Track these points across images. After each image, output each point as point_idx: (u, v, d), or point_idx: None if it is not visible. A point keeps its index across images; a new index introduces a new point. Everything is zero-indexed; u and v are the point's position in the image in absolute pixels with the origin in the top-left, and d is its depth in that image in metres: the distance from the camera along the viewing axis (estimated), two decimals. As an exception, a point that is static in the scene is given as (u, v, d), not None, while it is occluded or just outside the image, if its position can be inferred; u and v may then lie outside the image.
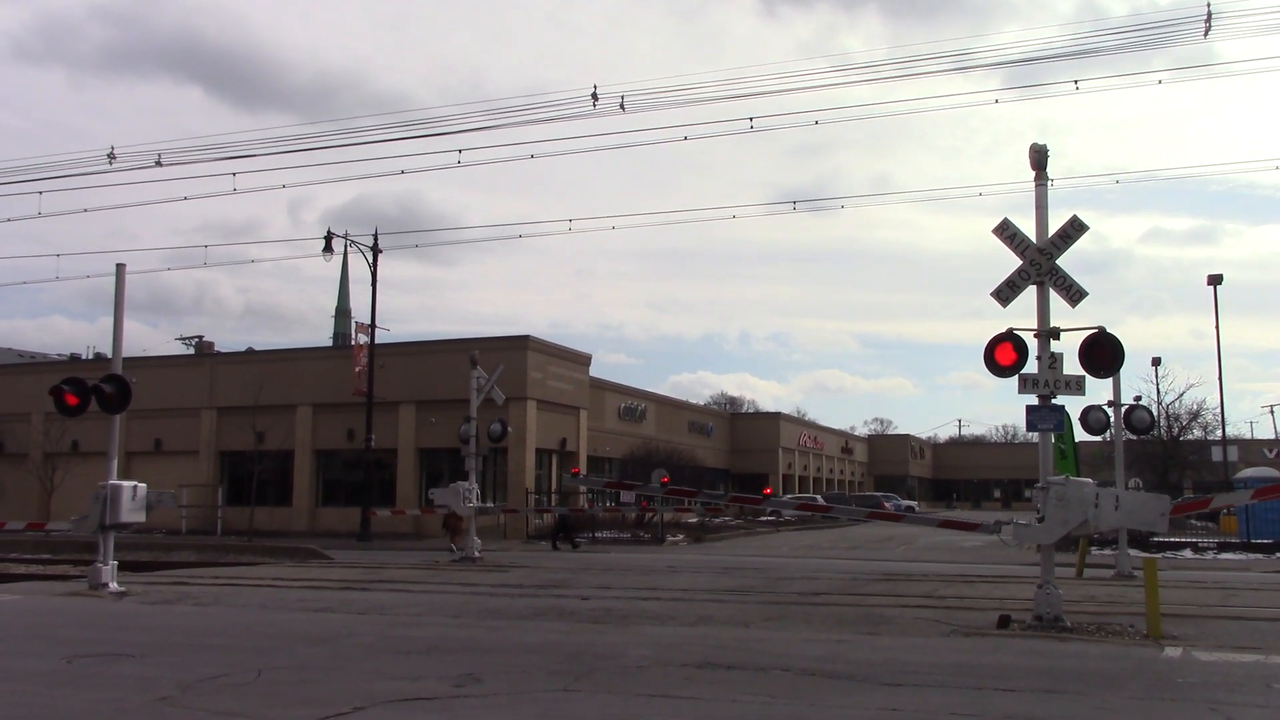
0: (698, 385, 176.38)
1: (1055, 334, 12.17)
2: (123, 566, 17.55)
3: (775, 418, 78.53)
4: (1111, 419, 20.92)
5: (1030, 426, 12.38)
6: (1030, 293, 12.32)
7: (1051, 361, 12.08)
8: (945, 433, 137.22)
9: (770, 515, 50.33)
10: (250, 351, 50.40)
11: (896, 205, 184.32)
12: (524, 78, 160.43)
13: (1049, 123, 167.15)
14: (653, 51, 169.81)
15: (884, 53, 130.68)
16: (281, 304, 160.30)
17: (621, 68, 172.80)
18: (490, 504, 32.43)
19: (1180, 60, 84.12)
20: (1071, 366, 12.14)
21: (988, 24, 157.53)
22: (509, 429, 28.61)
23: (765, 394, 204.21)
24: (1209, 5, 17.43)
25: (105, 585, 15.79)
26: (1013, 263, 12.39)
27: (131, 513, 16.21)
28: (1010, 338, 12.10)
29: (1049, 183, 12.54)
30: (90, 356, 58.90)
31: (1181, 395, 46.01)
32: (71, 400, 16.45)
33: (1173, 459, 44.55)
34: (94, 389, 16.38)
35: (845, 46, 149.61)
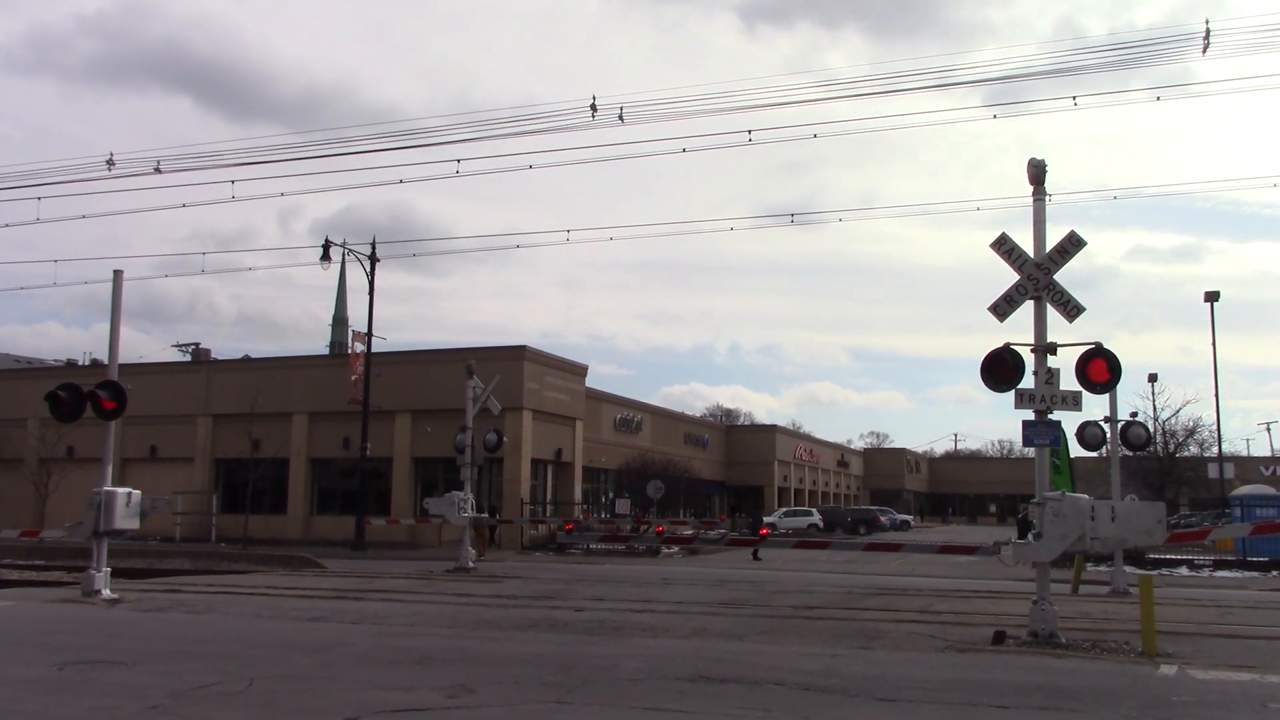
0: (690, 397, 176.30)
1: (1052, 349, 12.16)
2: (116, 573, 17.51)
3: (771, 430, 78.41)
4: (1108, 435, 20.90)
5: (1027, 441, 12.38)
6: (1027, 308, 12.30)
7: (1048, 377, 12.06)
8: (941, 447, 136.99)
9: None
10: (246, 359, 50.33)
11: (883, 219, 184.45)
12: (511, 88, 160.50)
13: (1033, 138, 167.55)
14: (636, 64, 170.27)
15: (867, 69, 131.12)
16: (275, 312, 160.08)
17: (607, 79, 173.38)
18: (485, 514, 32.42)
19: (1163, 79, 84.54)
20: (1068, 382, 12.14)
21: (968, 42, 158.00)
22: (505, 439, 28.58)
23: (759, 406, 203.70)
24: (1208, 22, 17.56)
25: (98, 592, 15.73)
26: (1009, 278, 12.39)
27: (126, 519, 16.16)
28: (1007, 352, 12.10)
29: (1047, 198, 12.55)
30: (86, 363, 58.83)
31: (1178, 412, 46.16)
32: (67, 406, 16.42)
33: (1169, 475, 44.57)
34: (90, 395, 16.36)
35: (828, 63, 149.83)
